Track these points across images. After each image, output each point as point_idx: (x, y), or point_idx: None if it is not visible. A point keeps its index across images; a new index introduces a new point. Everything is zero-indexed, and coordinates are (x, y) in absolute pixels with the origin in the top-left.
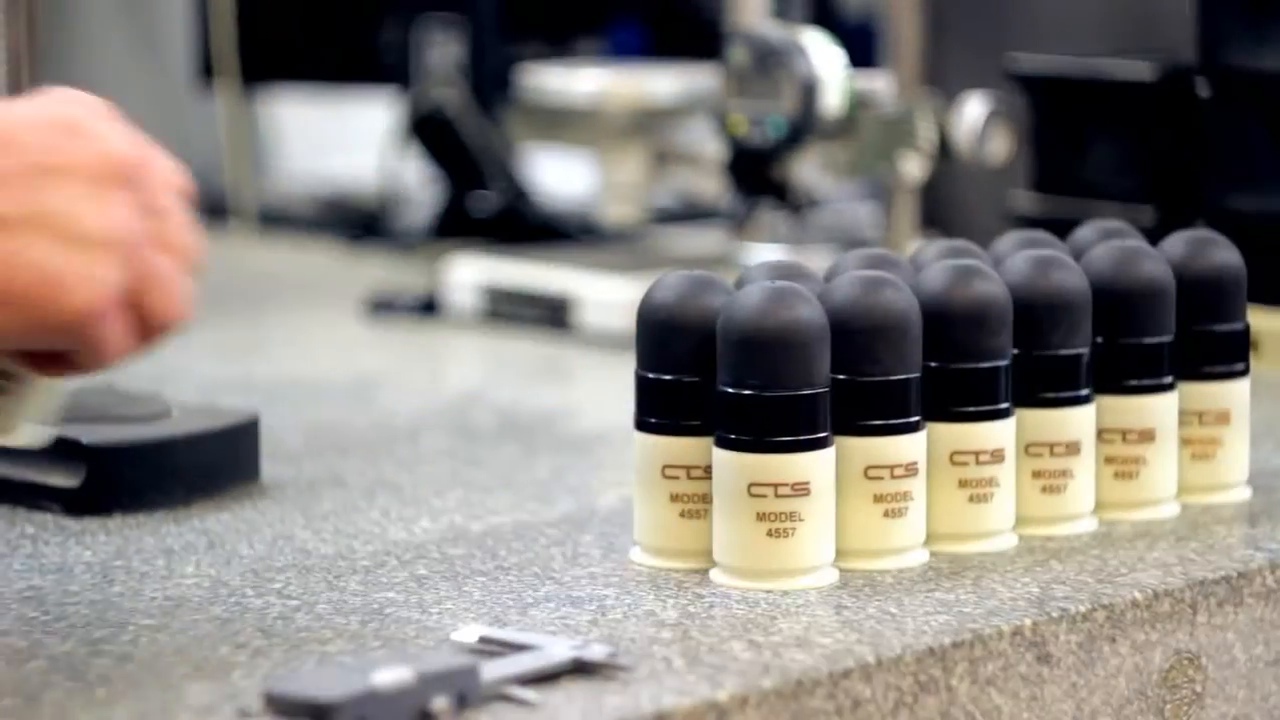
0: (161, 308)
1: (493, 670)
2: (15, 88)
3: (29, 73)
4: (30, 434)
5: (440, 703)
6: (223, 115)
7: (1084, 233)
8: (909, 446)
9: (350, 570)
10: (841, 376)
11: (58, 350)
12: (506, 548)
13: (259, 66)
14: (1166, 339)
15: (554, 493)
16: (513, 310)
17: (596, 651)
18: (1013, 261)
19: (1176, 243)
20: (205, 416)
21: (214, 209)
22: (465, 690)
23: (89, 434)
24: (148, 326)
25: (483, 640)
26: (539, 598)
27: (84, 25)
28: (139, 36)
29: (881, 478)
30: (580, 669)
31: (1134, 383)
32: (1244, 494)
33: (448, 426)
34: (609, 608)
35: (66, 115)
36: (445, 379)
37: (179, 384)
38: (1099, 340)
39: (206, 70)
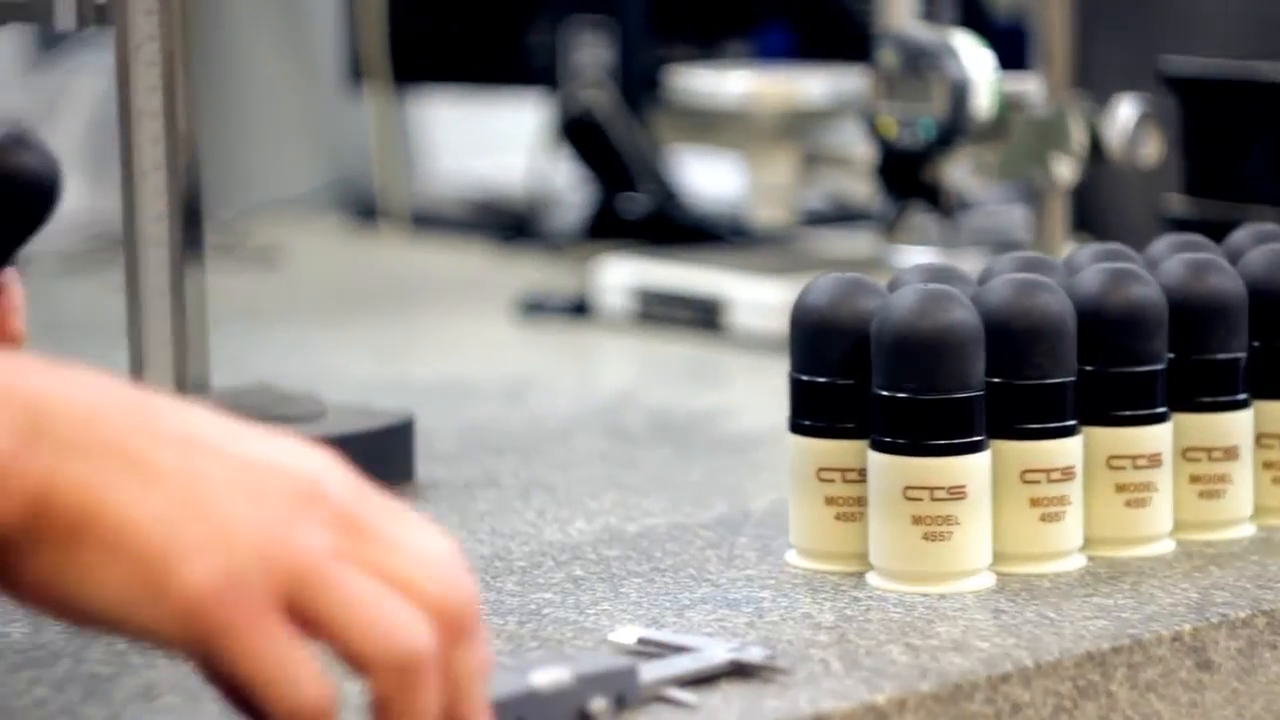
0: (360, 626)
1: (651, 671)
2: (169, 90)
3: (183, 75)
4: None
5: (599, 704)
6: (373, 117)
7: (1239, 236)
8: (1066, 450)
9: (507, 571)
10: (996, 380)
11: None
12: (662, 549)
13: (408, 68)
14: None
15: (708, 495)
16: (664, 312)
17: (754, 654)
18: (1168, 265)
19: None
20: (360, 417)
21: (365, 210)
22: (624, 691)
23: None
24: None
25: (641, 642)
26: (695, 600)
27: (235, 28)
28: (289, 39)
29: (1038, 481)
30: (738, 671)
31: None
32: None
33: (601, 428)
34: (765, 610)
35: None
36: (597, 380)
37: (333, 384)
38: (1255, 344)
39: (356, 72)
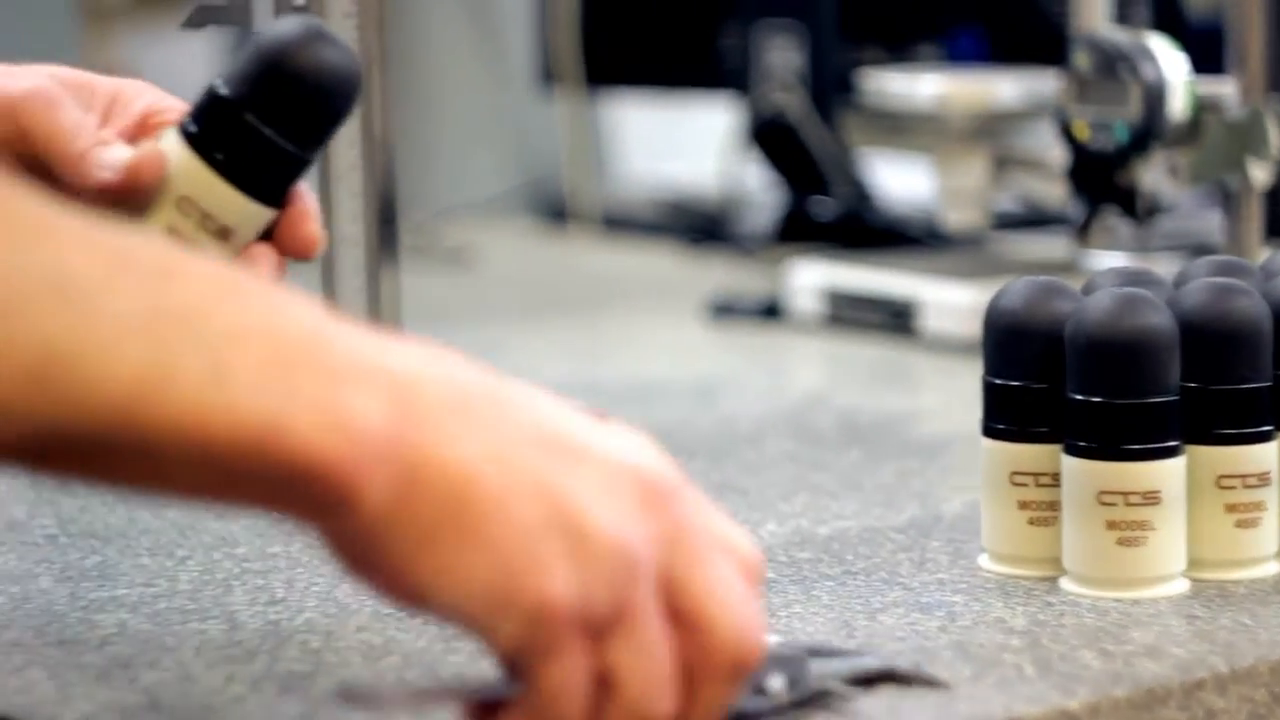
0: (635, 690)
1: (824, 666)
2: (366, 92)
3: (379, 78)
4: None
5: (776, 682)
6: (564, 119)
7: None
8: (1262, 456)
9: None
10: (1192, 384)
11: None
12: (853, 552)
13: (600, 70)
14: None
15: (900, 498)
16: (854, 315)
17: (904, 662)
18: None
19: None
20: None
21: (555, 212)
22: (796, 677)
23: None
24: (602, 680)
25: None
26: (887, 603)
27: (428, 30)
28: (482, 41)
29: (1234, 487)
30: (891, 677)
31: None
32: None
33: (791, 430)
34: (957, 614)
35: (594, 418)
36: (787, 383)
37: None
38: None
39: (548, 74)
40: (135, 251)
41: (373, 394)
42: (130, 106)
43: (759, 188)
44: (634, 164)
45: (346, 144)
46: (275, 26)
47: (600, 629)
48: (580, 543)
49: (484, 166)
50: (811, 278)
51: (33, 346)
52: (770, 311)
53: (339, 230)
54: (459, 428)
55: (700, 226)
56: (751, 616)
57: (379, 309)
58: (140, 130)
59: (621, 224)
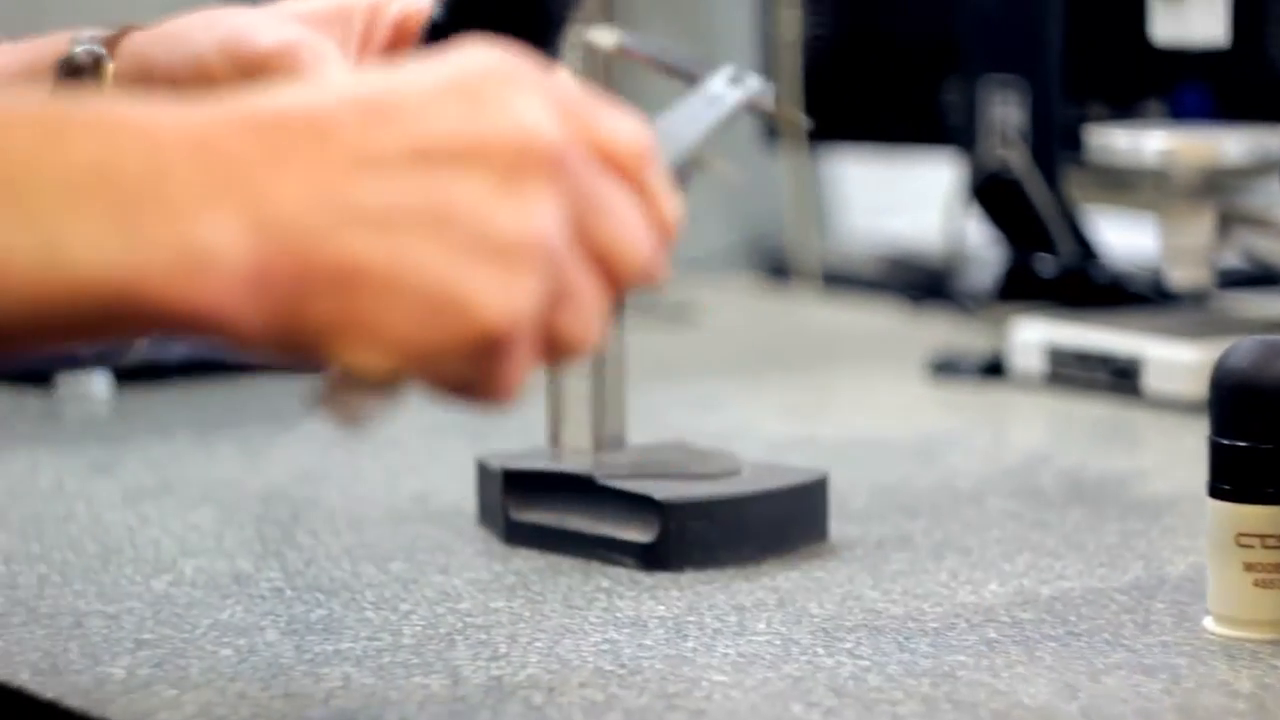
0: (573, 330)
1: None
2: None
3: None
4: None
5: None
6: (787, 175)
7: None
8: None
9: (920, 632)
10: None
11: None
12: (1076, 613)
13: (823, 126)
14: None
15: (1123, 558)
16: (1077, 373)
17: None
18: None
19: None
20: (774, 474)
21: (777, 268)
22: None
23: (662, 490)
24: (550, 350)
25: None
26: (1110, 665)
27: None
28: None
29: None
30: None
31: None
32: None
33: (1013, 488)
34: (1181, 677)
35: (470, 79)
36: (1009, 441)
37: (747, 441)
38: None
39: (771, 130)
40: None
41: (226, 220)
42: (385, 15)
43: (981, 244)
44: (856, 220)
45: None
46: None
47: (542, 318)
48: (495, 256)
49: (707, 222)
50: (1034, 335)
51: None
52: (992, 369)
53: None
54: (322, 218)
55: (922, 283)
56: (646, 236)
57: (603, 366)
58: (398, 38)
59: (843, 280)
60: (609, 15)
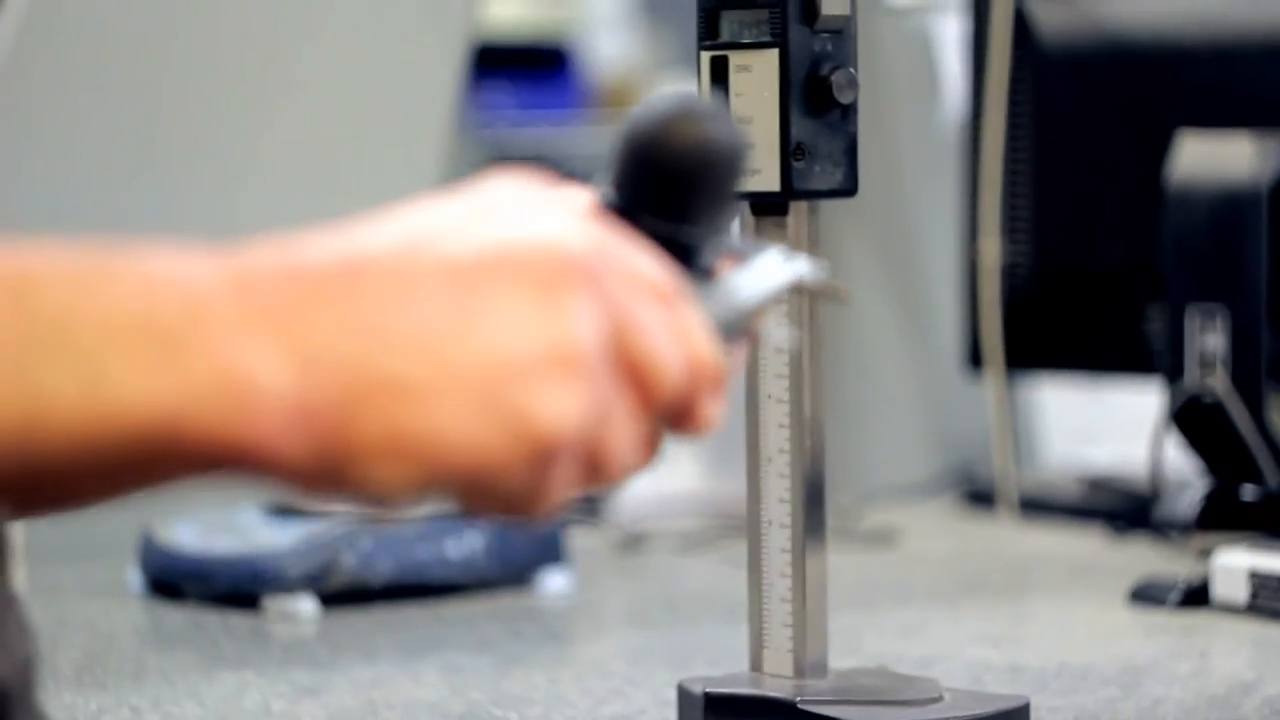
0: (616, 448)
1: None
2: (797, 375)
3: (810, 363)
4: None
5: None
6: (990, 402)
7: None
8: None
9: None
10: None
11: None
12: None
13: (1025, 353)
14: None
15: None
16: None
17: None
18: None
19: None
20: (976, 701)
21: (979, 494)
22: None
23: (864, 716)
24: (593, 468)
25: None
26: None
27: (858, 311)
28: (908, 319)
29: None
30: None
31: None
32: None
33: (1218, 718)
34: None
35: (497, 199)
36: (1212, 670)
37: (948, 667)
38: None
39: (975, 357)
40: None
41: (267, 354)
42: None
43: (1185, 472)
44: (1057, 447)
45: (775, 426)
46: (642, 113)
47: (587, 432)
48: (541, 364)
49: (909, 449)
50: (1237, 563)
51: None
52: (1194, 597)
53: (766, 512)
54: (362, 345)
55: (1124, 511)
56: (688, 346)
57: (804, 591)
58: None
59: (1044, 507)
60: (815, 245)
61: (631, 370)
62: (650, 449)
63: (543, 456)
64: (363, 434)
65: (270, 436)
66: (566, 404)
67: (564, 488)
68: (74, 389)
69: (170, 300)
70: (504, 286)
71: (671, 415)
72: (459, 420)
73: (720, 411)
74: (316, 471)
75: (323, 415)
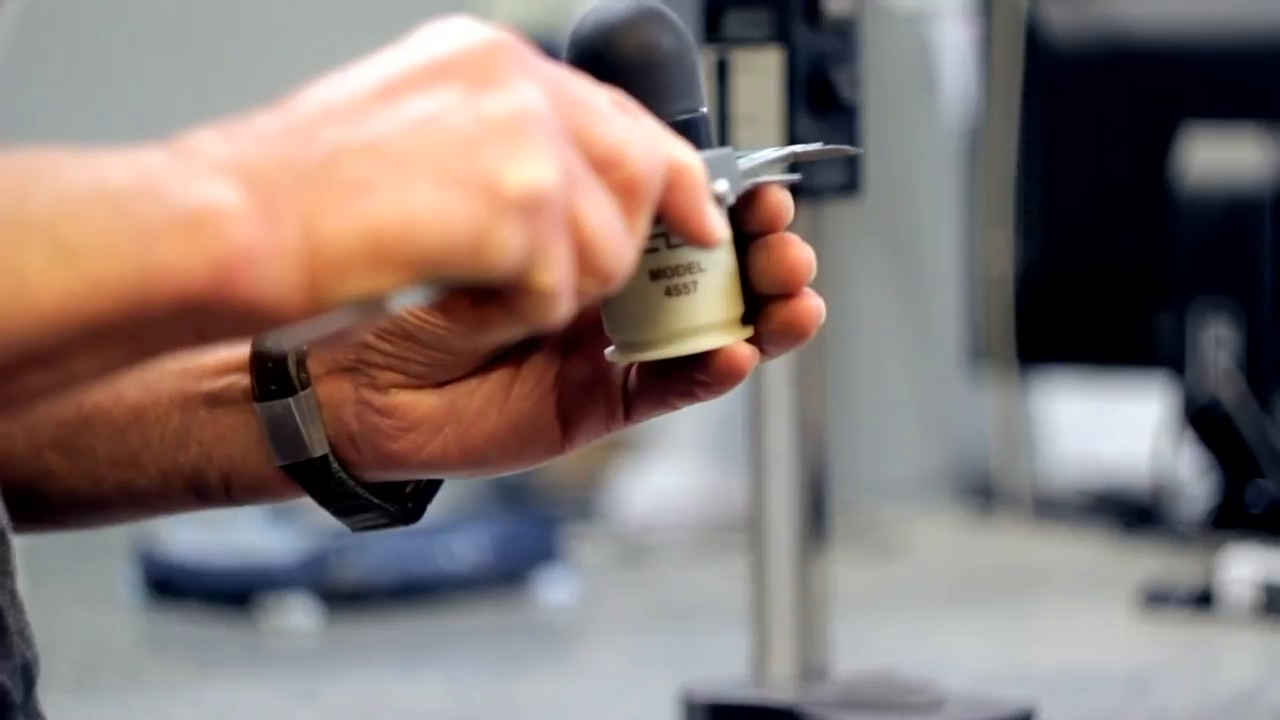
0: (598, 223)
1: (748, 162)
2: (800, 380)
3: (814, 369)
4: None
5: (721, 185)
6: (993, 400)
7: None
8: None
9: None
10: None
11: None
12: None
13: (1030, 351)
14: None
15: None
16: None
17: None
18: None
19: None
20: (979, 707)
21: (982, 494)
22: (733, 176)
23: None
24: (581, 255)
25: None
26: None
27: (859, 309)
28: (911, 319)
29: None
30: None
31: None
32: None
33: None
34: None
35: (418, 35)
36: (1220, 675)
37: (955, 671)
38: None
39: (977, 354)
40: None
41: (219, 187)
42: None
43: (1192, 473)
44: (1063, 446)
45: (777, 430)
46: (584, 23)
47: (567, 202)
48: (496, 132)
49: (911, 447)
50: (1246, 567)
51: None
52: (1203, 601)
53: (769, 517)
54: (311, 162)
55: (1131, 512)
56: (647, 136)
57: (807, 596)
58: None
59: (1050, 508)
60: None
61: (595, 157)
62: (636, 238)
63: (522, 212)
64: (335, 241)
65: (244, 266)
66: (532, 162)
67: (558, 257)
68: (45, 266)
69: (116, 166)
70: (438, 84)
71: (671, 220)
72: (425, 200)
73: (721, 222)
74: (300, 296)
75: (290, 234)
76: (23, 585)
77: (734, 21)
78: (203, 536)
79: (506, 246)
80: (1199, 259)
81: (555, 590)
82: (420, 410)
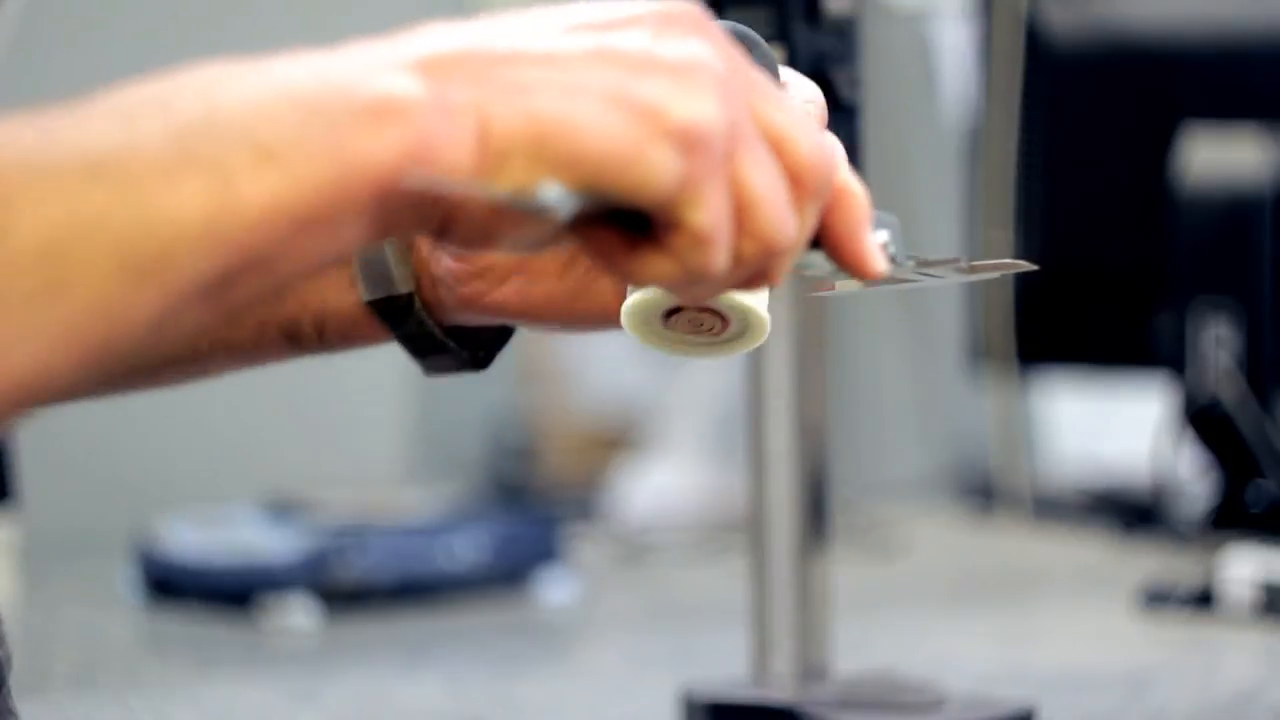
0: (758, 182)
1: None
2: (801, 377)
3: (815, 368)
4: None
5: (882, 235)
6: (993, 399)
7: None
8: None
9: None
10: None
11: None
12: None
13: (1030, 350)
14: None
15: None
16: None
17: None
18: None
19: None
20: (979, 707)
21: (982, 493)
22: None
23: None
24: (740, 209)
25: None
26: None
27: (859, 309)
28: (911, 319)
29: None
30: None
31: None
32: None
33: None
34: None
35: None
36: (1220, 675)
37: (955, 671)
38: None
39: (977, 354)
40: (124, 102)
41: (395, 77)
42: None
43: (1192, 472)
44: (1063, 445)
45: (777, 429)
46: None
47: (729, 152)
48: (668, 70)
49: (911, 447)
50: (1247, 567)
51: (92, 229)
52: (1203, 601)
53: (769, 516)
54: (486, 62)
55: (1131, 512)
56: (822, 140)
57: (808, 595)
58: None
59: (1050, 507)
60: None
61: (767, 132)
62: (802, 225)
63: (681, 144)
64: (501, 129)
65: (429, 153)
66: (698, 100)
67: (714, 201)
68: (251, 168)
69: (294, 69)
70: (620, 33)
71: (832, 240)
72: (589, 110)
73: (882, 258)
74: (478, 171)
75: (464, 123)
76: (22, 585)
77: (733, 20)
78: (203, 536)
79: (660, 169)
80: (1199, 259)
81: (555, 590)
82: (489, 258)
